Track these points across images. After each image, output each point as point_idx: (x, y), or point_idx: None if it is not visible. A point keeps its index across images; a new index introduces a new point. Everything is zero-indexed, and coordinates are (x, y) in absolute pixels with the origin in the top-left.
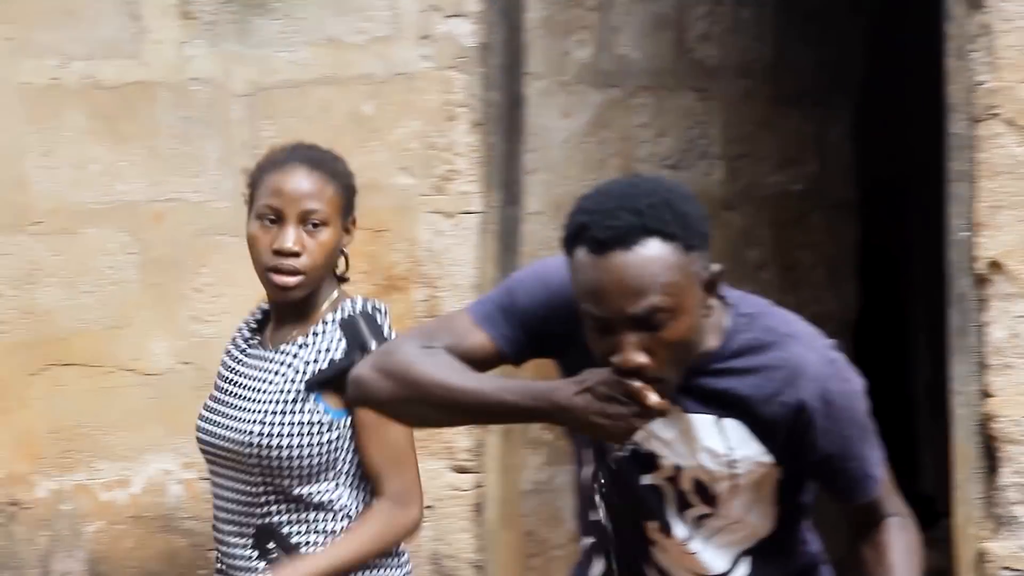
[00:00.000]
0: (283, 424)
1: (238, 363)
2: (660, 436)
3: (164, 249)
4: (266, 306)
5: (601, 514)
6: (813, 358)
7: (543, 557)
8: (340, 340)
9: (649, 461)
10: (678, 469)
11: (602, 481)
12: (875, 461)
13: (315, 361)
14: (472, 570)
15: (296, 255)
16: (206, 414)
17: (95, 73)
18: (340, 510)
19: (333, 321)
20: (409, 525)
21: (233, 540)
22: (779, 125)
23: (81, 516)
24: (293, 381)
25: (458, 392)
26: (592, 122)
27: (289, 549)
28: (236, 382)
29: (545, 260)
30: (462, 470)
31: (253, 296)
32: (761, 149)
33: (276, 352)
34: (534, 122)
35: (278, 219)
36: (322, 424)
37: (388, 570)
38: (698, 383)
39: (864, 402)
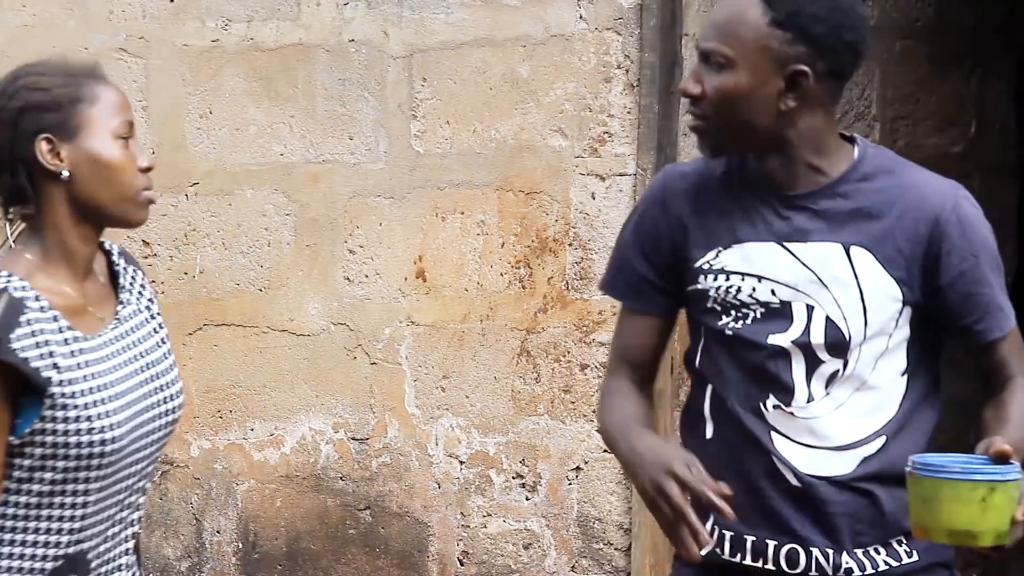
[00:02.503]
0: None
1: (96, 345)
2: (788, 283)
3: (319, 210)
4: (11, 285)
5: (710, 429)
6: (943, 181)
7: None
8: (143, 276)
9: (782, 314)
10: (810, 312)
11: (718, 377)
12: (1006, 301)
13: (153, 302)
14: (620, 533)
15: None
16: (128, 407)
17: (254, 35)
18: None
19: (119, 254)
20: None
21: (112, 553)
22: (938, 86)
23: (233, 475)
24: (163, 327)
25: (610, 441)
26: None
27: (135, 551)
28: (128, 357)
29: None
30: None
31: (405, 258)
32: (920, 111)
33: (129, 304)
34: None
35: (129, 135)
36: None
37: None
38: (827, 206)
39: (993, 238)
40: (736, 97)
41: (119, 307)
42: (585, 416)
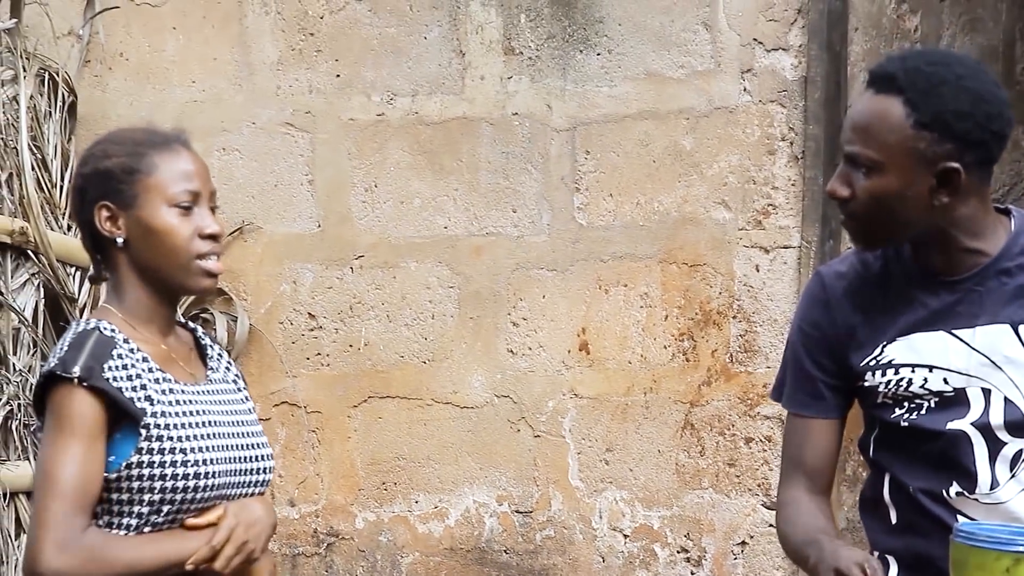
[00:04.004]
0: None
1: (189, 392)
2: (961, 370)
3: (482, 283)
4: (101, 325)
5: (894, 515)
6: None
7: None
8: (228, 356)
9: (958, 401)
10: (987, 396)
11: (896, 465)
12: None
13: (240, 378)
14: None
15: (219, 238)
16: (222, 451)
17: (419, 109)
18: None
19: (204, 335)
20: None
21: None
22: None
23: (398, 547)
24: (251, 400)
25: (797, 556)
26: None
27: None
28: (221, 411)
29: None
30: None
31: (569, 330)
32: None
33: (217, 371)
34: None
35: (193, 203)
36: None
37: None
38: (990, 286)
39: None
40: (888, 199)
41: (208, 372)
42: (750, 490)
